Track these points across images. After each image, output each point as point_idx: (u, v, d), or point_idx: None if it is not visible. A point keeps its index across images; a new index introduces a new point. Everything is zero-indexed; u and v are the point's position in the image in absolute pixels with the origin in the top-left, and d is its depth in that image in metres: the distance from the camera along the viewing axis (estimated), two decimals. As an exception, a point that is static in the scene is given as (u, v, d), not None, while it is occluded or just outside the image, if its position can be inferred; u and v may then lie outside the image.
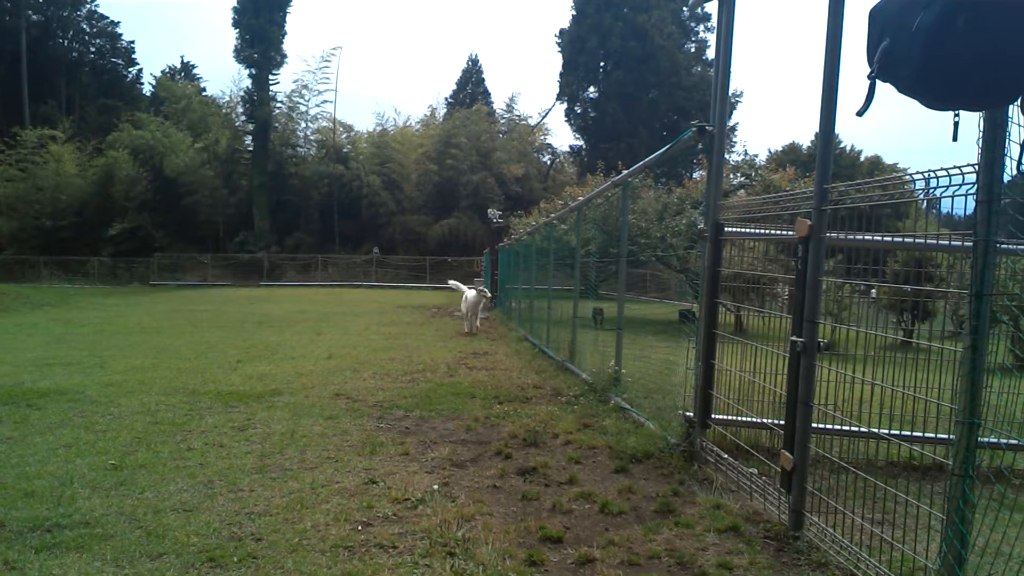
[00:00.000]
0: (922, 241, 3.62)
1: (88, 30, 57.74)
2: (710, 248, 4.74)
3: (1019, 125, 2.39)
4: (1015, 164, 2.41)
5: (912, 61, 2.31)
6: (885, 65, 2.43)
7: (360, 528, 3.71)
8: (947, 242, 3.20)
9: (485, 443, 5.65)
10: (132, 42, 60.09)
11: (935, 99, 2.42)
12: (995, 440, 3.19)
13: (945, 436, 3.66)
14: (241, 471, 4.74)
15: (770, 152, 50.02)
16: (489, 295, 14.10)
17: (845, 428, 4.29)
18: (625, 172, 7.34)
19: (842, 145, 52.07)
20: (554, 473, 4.83)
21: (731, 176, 24.01)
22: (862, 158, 50.61)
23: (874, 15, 2.59)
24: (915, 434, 4.14)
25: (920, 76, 2.33)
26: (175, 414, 6.53)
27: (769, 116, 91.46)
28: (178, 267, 42.85)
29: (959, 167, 2.63)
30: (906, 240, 3.72)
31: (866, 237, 3.72)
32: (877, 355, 3.69)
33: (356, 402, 7.19)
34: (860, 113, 2.59)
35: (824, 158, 3.53)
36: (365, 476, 4.64)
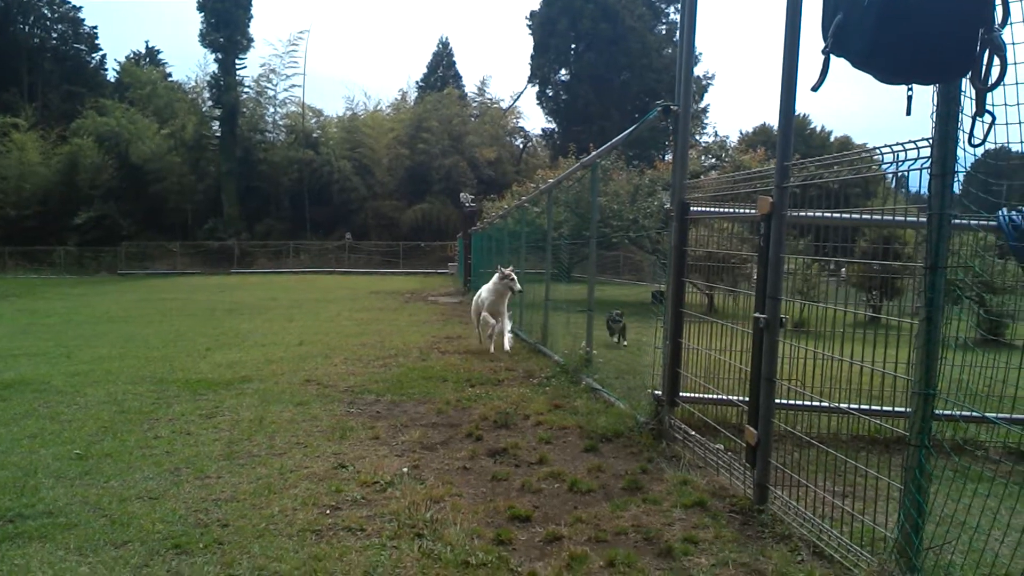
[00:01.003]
0: (882, 217, 3.66)
1: (50, 15, 56.38)
2: (676, 228, 4.76)
3: (971, 98, 2.41)
4: (967, 137, 2.44)
5: (865, 35, 2.32)
6: (839, 40, 2.44)
7: (328, 512, 3.70)
8: (904, 218, 3.23)
9: (456, 426, 5.65)
10: (95, 28, 58.79)
11: (888, 73, 2.44)
12: (951, 412, 3.25)
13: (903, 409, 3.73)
14: (208, 458, 4.70)
15: (741, 134, 50.44)
16: (518, 287, 9.82)
17: (809, 404, 4.34)
18: (593, 153, 7.34)
19: (812, 126, 52.64)
20: (524, 454, 4.84)
21: (702, 158, 24.12)
22: (832, 139, 51.20)
23: None
24: (876, 408, 4.21)
25: (872, 50, 2.35)
26: (142, 403, 6.45)
27: (741, 98, 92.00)
28: (146, 256, 42.24)
29: (914, 141, 2.66)
30: (864, 217, 3.76)
31: (827, 214, 3.76)
32: (846, 332, 3.74)
33: (327, 388, 7.15)
34: (815, 88, 2.60)
35: (785, 136, 3.55)
36: (334, 461, 4.63)
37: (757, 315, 3.58)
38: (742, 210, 4.59)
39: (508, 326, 10.01)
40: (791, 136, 3.55)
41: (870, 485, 3.45)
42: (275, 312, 16.48)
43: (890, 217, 3.53)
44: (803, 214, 3.79)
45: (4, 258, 40.22)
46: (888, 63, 2.40)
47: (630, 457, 4.74)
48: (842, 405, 3.82)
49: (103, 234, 42.27)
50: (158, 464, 4.57)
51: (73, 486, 4.14)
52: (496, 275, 9.84)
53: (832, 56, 2.51)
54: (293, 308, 17.64)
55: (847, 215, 3.79)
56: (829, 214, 3.75)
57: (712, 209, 4.79)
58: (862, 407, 4.03)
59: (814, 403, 4.25)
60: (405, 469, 4.43)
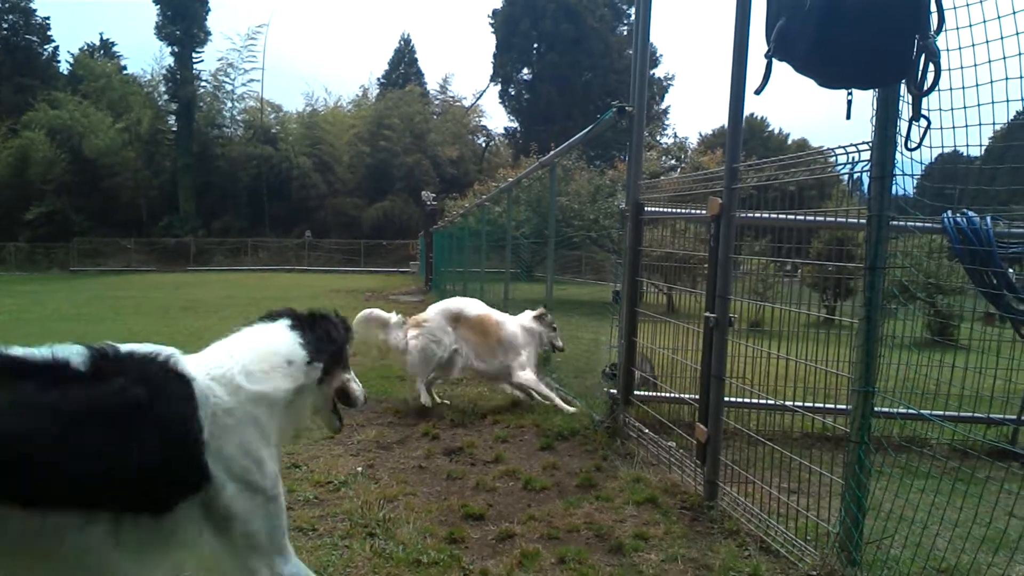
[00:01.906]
0: (826, 219, 3.75)
1: (0, 5, 54.74)
2: (631, 227, 4.81)
3: (908, 103, 2.49)
4: (904, 141, 2.52)
5: (805, 40, 2.38)
6: (781, 44, 2.49)
7: (281, 512, 3.67)
8: (846, 219, 3.32)
9: (413, 425, 5.64)
10: (47, 18, 57.08)
11: (828, 79, 2.51)
12: (889, 410, 3.34)
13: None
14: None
15: (701, 135, 50.98)
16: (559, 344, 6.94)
17: (758, 401, 4.42)
18: (551, 153, 7.38)
19: (770, 128, 53.48)
20: (481, 452, 4.85)
21: (662, 159, 24.38)
22: (790, 141, 52.09)
23: None
24: (823, 406, 4.31)
25: (812, 55, 2.41)
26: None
27: (701, 100, 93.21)
28: (100, 252, 41.24)
29: (855, 144, 2.74)
30: (811, 219, 3.85)
31: (776, 216, 3.84)
32: (801, 332, 3.82)
33: (283, 387, 7.06)
34: (758, 91, 2.66)
35: (734, 139, 3.62)
36: (287, 460, 4.57)
37: (707, 314, 3.65)
38: (695, 211, 4.67)
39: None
40: (740, 139, 3.62)
41: (815, 481, 3.53)
42: (232, 310, 16.22)
43: (837, 219, 3.62)
44: (751, 215, 3.87)
45: (-50, 255, 39.05)
46: (828, 68, 2.47)
47: (585, 455, 4.78)
48: (788, 403, 3.90)
49: (55, 230, 41.15)
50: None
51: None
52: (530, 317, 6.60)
53: (775, 60, 2.57)
54: (251, 306, 17.37)
55: (795, 216, 3.87)
56: (778, 215, 3.83)
57: (665, 210, 4.86)
58: (807, 405, 4.12)
59: (763, 401, 4.34)
60: (359, 468, 4.42)
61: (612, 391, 5.22)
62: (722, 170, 3.74)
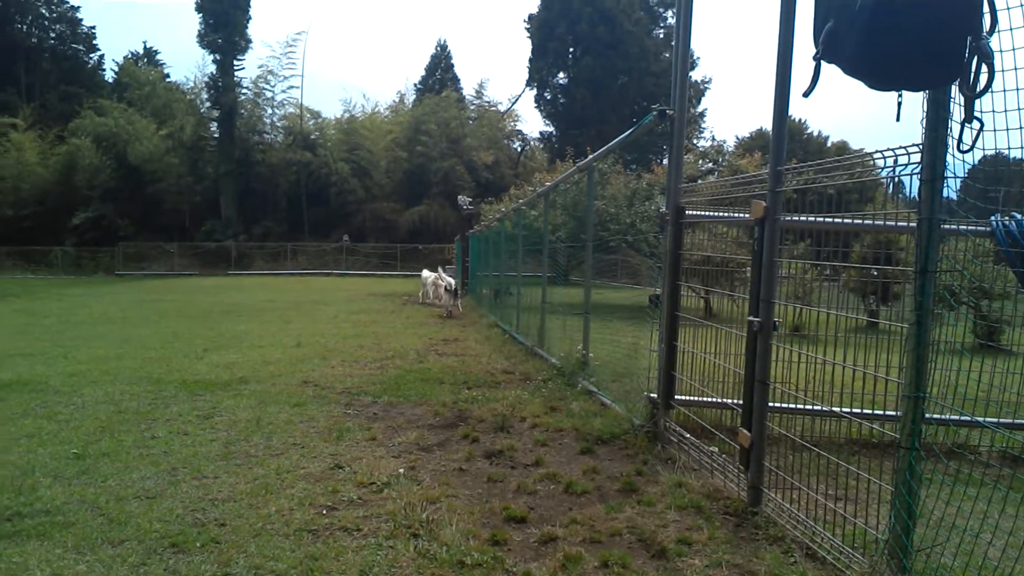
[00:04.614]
0: (874, 223, 3.69)
1: (47, 15, 56.25)
2: (671, 231, 4.79)
3: (959, 105, 2.44)
4: (956, 144, 2.47)
5: (855, 42, 2.35)
6: (829, 46, 2.47)
7: (324, 512, 3.73)
8: (895, 223, 3.26)
9: (453, 427, 5.68)
10: (93, 27, 58.69)
11: (877, 80, 2.47)
12: (942, 416, 3.28)
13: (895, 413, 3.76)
14: (205, 458, 4.72)
15: (738, 138, 50.47)
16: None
17: (803, 407, 4.36)
18: (590, 157, 7.37)
19: (809, 131, 52.75)
20: (520, 456, 4.87)
21: (699, 162, 24.18)
22: (829, 143, 51.33)
23: None
24: (868, 412, 4.23)
25: (862, 57, 2.38)
26: (139, 403, 6.47)
27: (738, 103, 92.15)
28: (144, 256, 42.09)
29: (905, 147, 2.70)
30: (857, 221, 3.79)
31: (821, 219, 3.79)
32: (844, 336, 3.76)
33: (324, 389, 7.17)
34: (806, 94, 2.63)
35: (778, 141, 3.58)
36: (331, 461, 4.65)
37: (751, 318, 3.62)
38: (737, 214, 4.63)
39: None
40: (784, 141, 3.59)
41: (863, 488, 3.48)
42: (272, 314, 16.48)
43: (883, 222, 3.56)
44: (797, 219, 3.82)
45: (2, 258, 40.10)
46: (878, 70, 2.43)
47: (625, 459, 4.77)
48: (835, 409, 3.85)
49: (100, 235, 42.10)
50: (155, 464, 4.59)
51: (71, 485, 4.16)
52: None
53: (823, 62, 2.54)
54: (290, 310, 17.64)
55: (840, 220, 3.82)
56: (823, 219, 3.78)
57: (707, 213, 4.82)
58: (854, 411, 4.06)
59: (808, 407, 4.28)
60: (401, 470, 4.46)
61: (652, 395, 5.20)
62: (764, 173, 3.71)
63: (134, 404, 6.43)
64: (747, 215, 4.03)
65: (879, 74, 2.45)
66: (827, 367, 3.75)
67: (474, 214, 27.54)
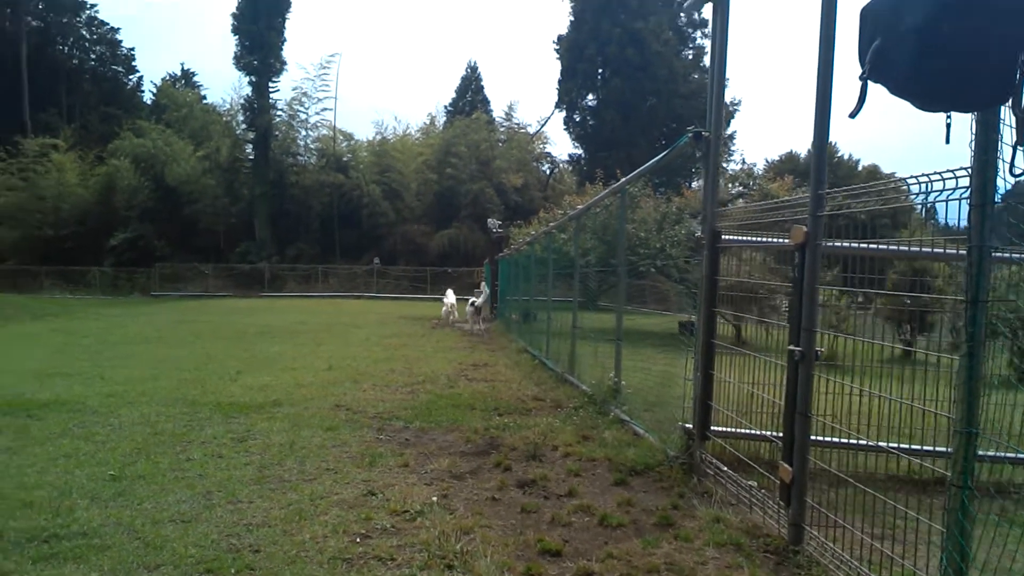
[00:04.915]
0: (919, 249, 3.61)
1: (88, 37, 57.90)
2: (707, 256, 4.74)
3: (1011, 127, 2.38)
4: (1008, 167, 2.41)
5: (904, 61, 2.31)
6: (877, 65, 2.43)
7: (358, 540, 3.70)
8: (943, 250, 3.18)
9: (485, 455, 5.64)
10: (132, 49, 60.22)
11: (927, 100, 2.42)
12: (994, 453, 3.18)
13: (944, 448, 3.66)
14: (240, 482, 4.73)
15: (767, 162, 50.15)
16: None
17: (846, 441, 4.26)
18: (623, 180, 7.35)
19: (840, 154, 52.23)
20: (553, 486, 4.81)
21: (729, 186, 24.03)
22: (860, 167, 50.78)
23: (865, 14, 2.59)
24: (917, 447, 4.12)
25: (912, 76, 2.33)
26: (175, 425, 6.52)
27: (767, 126, 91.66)
28: (179, 277, 42.69)
29: (952, 170, 2.63)
30: (902, 248, 3.71)
31: (864, 245, 3.72)
32: (876, 367, 3.68)
33: (356, 413, 7.18)
34: (853, 115, 2.59)
35: (819, 163, 3.52)
36: (364, 488, 4.63)
37: (792, 347, 3.54)
38: (773, 239, 4.57)
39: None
40: (825, 163, 3.52)
41: (910, 527, 3.37)
42: (304, 336, 16.60)
43: (928, 249, 3.48)
44: (838, 244, 3.76)
45: (41, 278, 40.91)
46: (927, 90, 2.39)
47: (661, 492, 4.69)
48: (881, 443, 3.74)
49: (138, 255, 42.81)
50: (191, 487, 4.60)
51: (107, 507, 4.19)
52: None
53: (870, 82, 2.50)
54: (322, 332, 17.77)
55: (884, 246, 3.75)
56: (867, 245, 3.71)
57: (743, 238, 4.76)
58: (903, 446, 3.94)
59: (851, 440, 4.17)
60: (435, 498, 4.43)
61: (687, 425, 5.12)
62: (803, 197, 3.66)
63: (170, 426, 6.49)
64: (783, 239, 3.98)
65: (927, 95, 2.40)
66: (864, 399, 3.66)
67: (503, 237, 27.61)
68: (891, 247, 3.87)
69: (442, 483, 4.83)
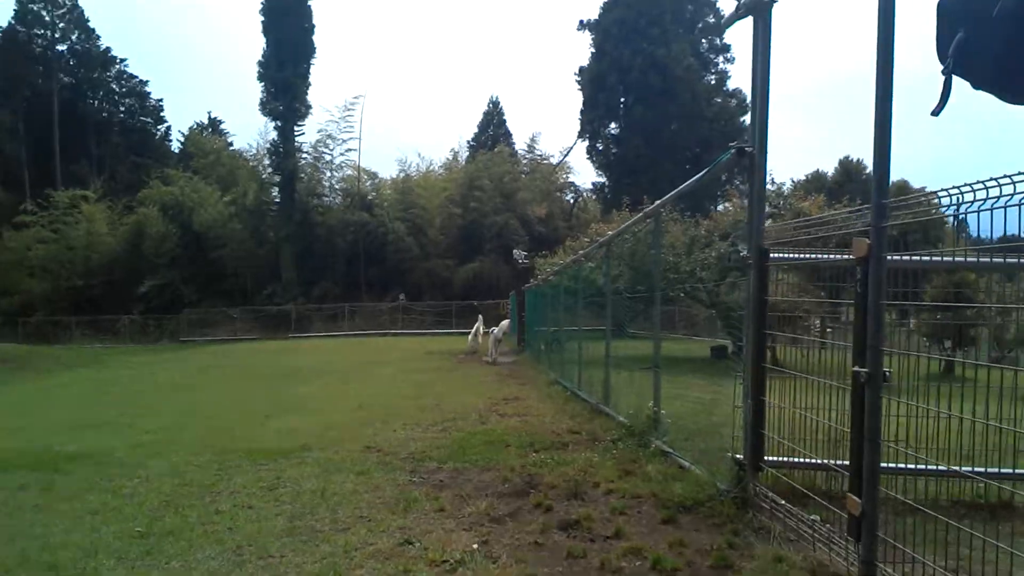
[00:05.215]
0: (992, 260, 3.35)
1: (117, 90, 59.38)
2: (755, 275, 4.48)
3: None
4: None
5: (992, 52, 2.10)
6: (960, 59, 2.22)
7: (396, 596, 3.46)
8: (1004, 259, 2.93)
9: (524, 495, 5.39)
10: (160, 100, 61.62)
11: (1016, 93, 2.21)
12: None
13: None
14: (271, 535, 4.52)
15: (793, 181, 49.64)
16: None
17: (915, 467, 3.94)
18: (658, 202, 7.13)
19: (868, 171, 51.54)
20: (598, 526, 4.54)
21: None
22: (889, 183, 50.04)
23: (943, 9, 2.43)
24: (994, 470, 3.81)
25: (1002, 69, 2.13)
26: (204, 475, 6.36)
27: (789, 146, 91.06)
28: (207, 322, 42.91)
29: (1009, 176, 2.41)
30: (971, 260, 3.45)
31: (930, 258, 3.46)
32: (923, 385, 3.40)
33: (387, 455, 6.97)
34: (936, 112, 2.38)
35: (881, 171, 3.27)
36: (400, 536, 4.40)
37: (857, 369, 3.27)
38: (828, 255, 4.33)
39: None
40: (888, 171, 3.26)
41: (980, 556, 3.06)
42: (332, 376, 16.49)
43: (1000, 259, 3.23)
44: (906, 257, 3.50)
45: (71, 328, 41.39)
46: (1018, 83, 2.17)
47: (713, 529, 4.40)
48: (957, 468, 3.44)
49: (166, 302, 43.24)
50: (220, 542, 4.40)
51: (134, 568, 4.00)
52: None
53: (954, 77, 2.29)
54: (350, 371, 17.67)
55: (950, 259, 3.48)
56: (934, 258, 3.44)
57: (795, 255, 4.50)
58: (979, 470, 3.64)
59: (923, 466, 3.87)
60: (475, 545, 4.17)
61: (738, 456, 4.83)
62: (859, 208, 3.42)
63: (198, 475, 6.33)
64: (839, 255, 3.74)
65: (1019, 87, 2.19)
66: (929, 419, 3.38)
67: (529, 267, 27.48)
68: (957, 259, 3.59)
69: (481, 528, 4.58)
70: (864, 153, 51.28)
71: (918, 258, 3.92)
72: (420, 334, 39.22)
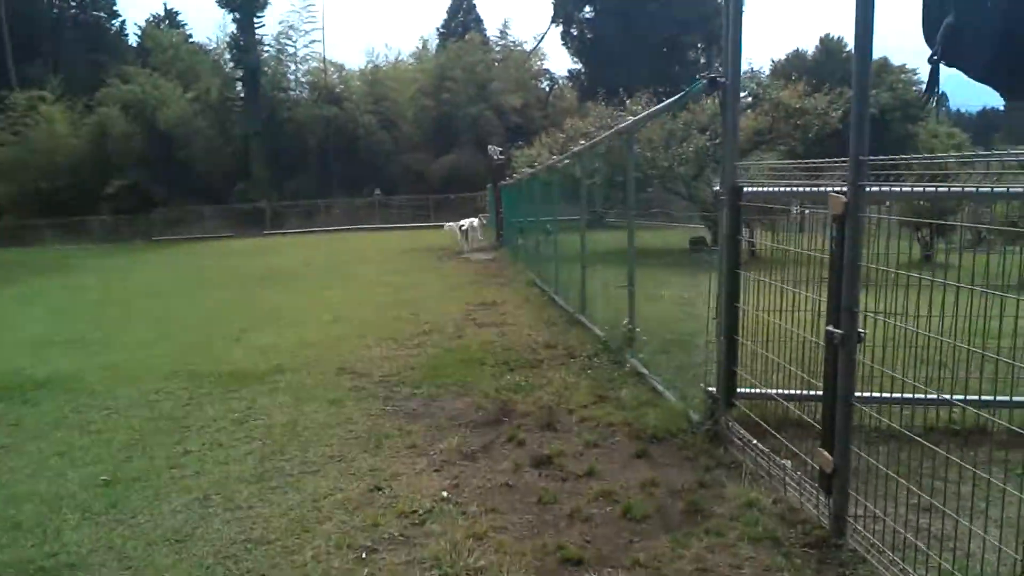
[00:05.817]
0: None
1: (66, -18, 55.84)
2: (728, 214, 4.30)
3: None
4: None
5: (988, 42, 1.84)
6: (951, 46, 1.95)
7: (364, 556, 3.42)
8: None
9: (498, 424, 5.38)
10: (112, -10, 58.07)
11: (1017, 90, 1.97)
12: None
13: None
14: (239, 480, 4.47)
15: (773, 62, 48.47)
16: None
17: (889, 396, 3.75)
18: (631, 121, 6.82)
19: (848, 49, 50.29)
20: (571, 463, 4.51)
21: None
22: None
23: None
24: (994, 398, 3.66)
25: (1000, 60, 1.87)
26: (174, 405, 6.29)
27: (769, 23, 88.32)
28: (179, 221, 42.23)
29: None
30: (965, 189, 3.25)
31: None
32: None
33: (361, 377, 6.92)
34: (925, 104, 2.16)
35: (859, 120, 2.99)
36: (370, 481, 4.34)
37: (830, 328, 3.16)
38: (807, 187, 4.10)
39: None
40: (866, 120, 2.98)
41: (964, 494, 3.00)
42: (309, 280, 16.36)
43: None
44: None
45: (42, 231, 40.55)
46: (1018, 76, 1.92)
47: (686, 464, 4.39)
48: (946, 396, 3.30)
49: (136, 201, 42.32)
50: (187, 491, 4.34)
51: (98, 525, 3.93)
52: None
53: (943, 65, 2.02)
54: (327, 272, 17.59)
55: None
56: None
57: (769, 189, 4.28)
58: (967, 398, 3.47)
59: (903, 395, 3.70)
60: (444, 493, 4.13)
61: (710, 389, 4.79)
62: (837, 159, 3.19)
63: (168, 407, 6.26)
64: (820, 193, 3.55)
65: (1017, 81, 1.93)
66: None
67: (505, 162, 26.97)
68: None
69: (452, 467, 4.54)
70: (845, 31, 49.80)
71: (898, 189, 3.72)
72: (398, 228, 38.87)
